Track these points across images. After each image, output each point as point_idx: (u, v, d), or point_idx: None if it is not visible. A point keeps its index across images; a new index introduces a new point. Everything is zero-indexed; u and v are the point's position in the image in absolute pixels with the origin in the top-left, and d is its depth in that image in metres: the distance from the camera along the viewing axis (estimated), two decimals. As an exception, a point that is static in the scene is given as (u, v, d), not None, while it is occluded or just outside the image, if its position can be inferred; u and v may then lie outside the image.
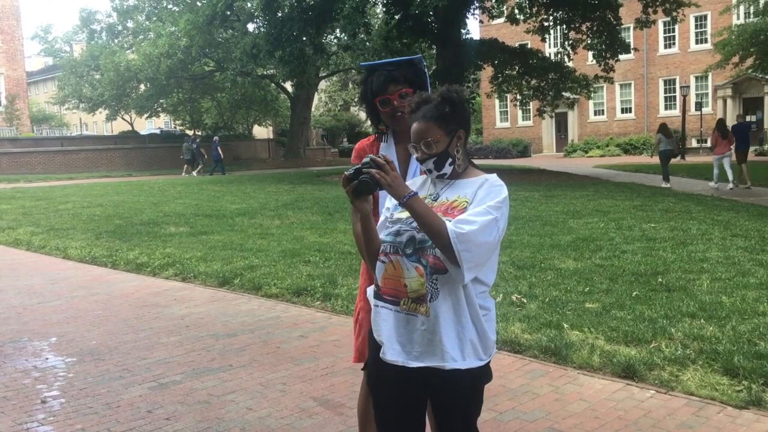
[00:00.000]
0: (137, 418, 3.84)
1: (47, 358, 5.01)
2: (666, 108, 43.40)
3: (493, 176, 2.23)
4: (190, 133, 48.50)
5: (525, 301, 5.92)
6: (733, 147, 17.57)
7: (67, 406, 4.06)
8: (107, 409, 3.98)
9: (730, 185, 16.87)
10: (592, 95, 30.36)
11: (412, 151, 2.29)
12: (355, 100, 53.68)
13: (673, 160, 18.49)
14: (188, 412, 3.92)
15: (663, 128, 19.04)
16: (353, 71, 45.76)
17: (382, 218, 2.33)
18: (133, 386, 4.36)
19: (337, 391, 4.20)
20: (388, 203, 2.33)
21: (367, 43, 31.49)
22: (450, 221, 2.08)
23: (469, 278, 2.09)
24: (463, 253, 2.04)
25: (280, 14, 25.62)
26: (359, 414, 2.93)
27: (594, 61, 27.48)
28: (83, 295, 7.10)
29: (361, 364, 2.81)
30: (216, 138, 34.84)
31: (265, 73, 42.11)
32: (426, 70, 2.79)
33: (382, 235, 2.26)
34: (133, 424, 3.77)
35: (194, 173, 31.61)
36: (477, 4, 26.33)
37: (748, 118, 38.61)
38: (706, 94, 41.48)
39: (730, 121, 39.38)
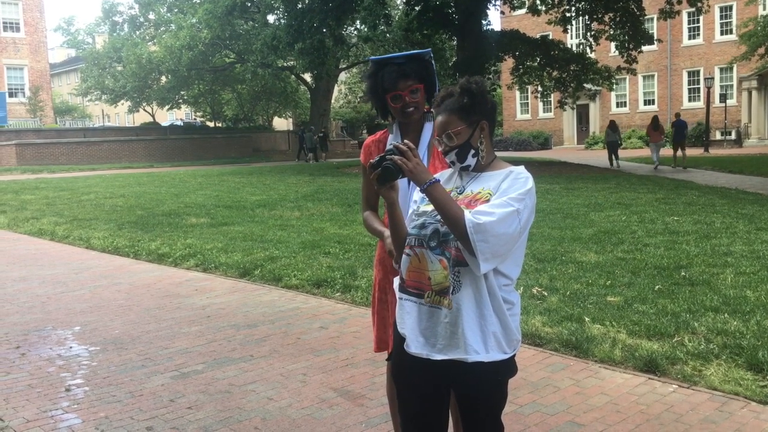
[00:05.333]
0: (159, 407, 3.88)
1: (71, 347, 5.07)
2: (690, 100, 42.80)
3: (519, 168, 2.21)
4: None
5: (546, 294, 5.89)
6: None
7: (90, 394, 4.11)
8: (130, 398, 4.03)
9: (655, 166, 21.88)
10: (615, 87, 30.01)
11: (436, 144, 2.28)
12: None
13: (699, 152, 22.14)
14: (210, 401, 3.95)
15: (611, 124, 24.76)
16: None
17: (409, 211, 2.33)
18: (155, 375, 4.40)
19: (357, 382, 4.21)
20: (415, 196, 2.33)
21: (388, 35, 31.43)
22: (470, 212, 2.07)
23: (485, 269, 2.07)
24: (478, 244, 2.02)
25: (300, 5, 25.64)
26: (390, 401, 2.96)
27: (616, 53, 27.18)
28: (106, 285, 7.18)
29: (382, 354, 2.81)
30: (313, 128, 36.72)
31: (285, 64, 42.21)
32: (434, 63, 2.79)
33: (408, 228, 2.26)
34: (156, 412, 3.81)
35: (315, 160, 33.74)
36: (498, -5, 26.17)
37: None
38: (731, 85, 40.82)
39: (758, 115, 38.90)
